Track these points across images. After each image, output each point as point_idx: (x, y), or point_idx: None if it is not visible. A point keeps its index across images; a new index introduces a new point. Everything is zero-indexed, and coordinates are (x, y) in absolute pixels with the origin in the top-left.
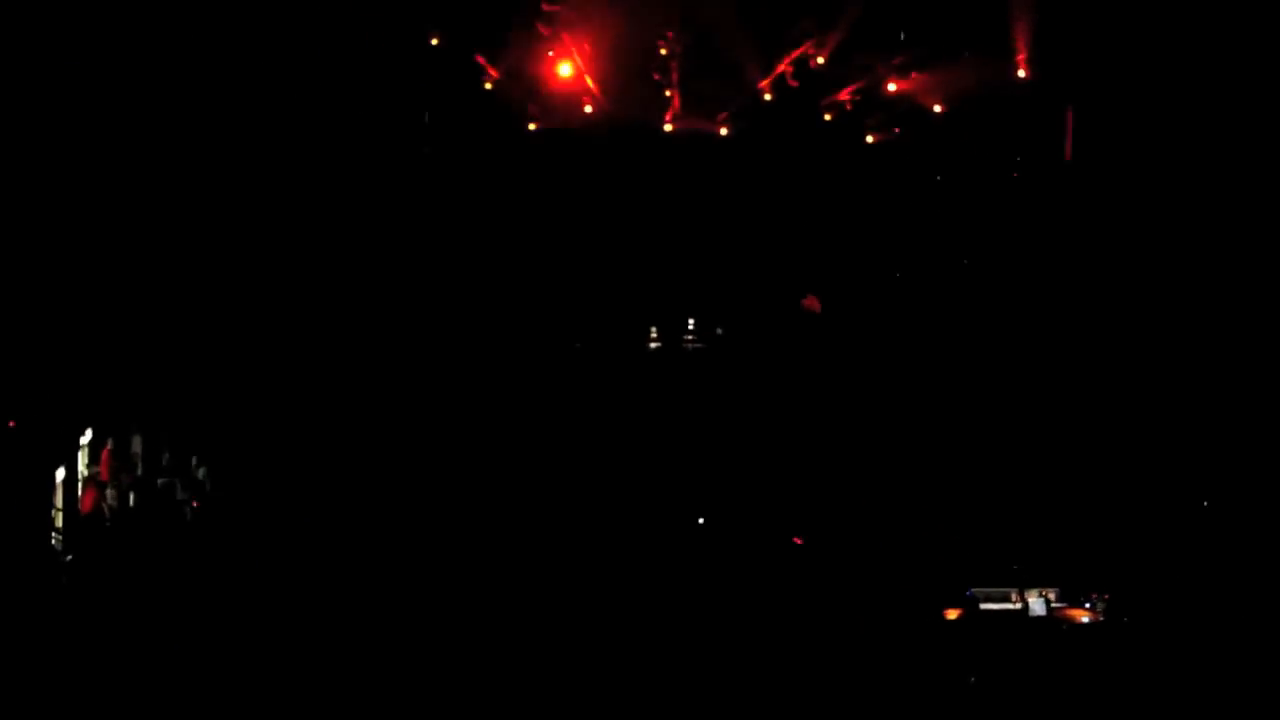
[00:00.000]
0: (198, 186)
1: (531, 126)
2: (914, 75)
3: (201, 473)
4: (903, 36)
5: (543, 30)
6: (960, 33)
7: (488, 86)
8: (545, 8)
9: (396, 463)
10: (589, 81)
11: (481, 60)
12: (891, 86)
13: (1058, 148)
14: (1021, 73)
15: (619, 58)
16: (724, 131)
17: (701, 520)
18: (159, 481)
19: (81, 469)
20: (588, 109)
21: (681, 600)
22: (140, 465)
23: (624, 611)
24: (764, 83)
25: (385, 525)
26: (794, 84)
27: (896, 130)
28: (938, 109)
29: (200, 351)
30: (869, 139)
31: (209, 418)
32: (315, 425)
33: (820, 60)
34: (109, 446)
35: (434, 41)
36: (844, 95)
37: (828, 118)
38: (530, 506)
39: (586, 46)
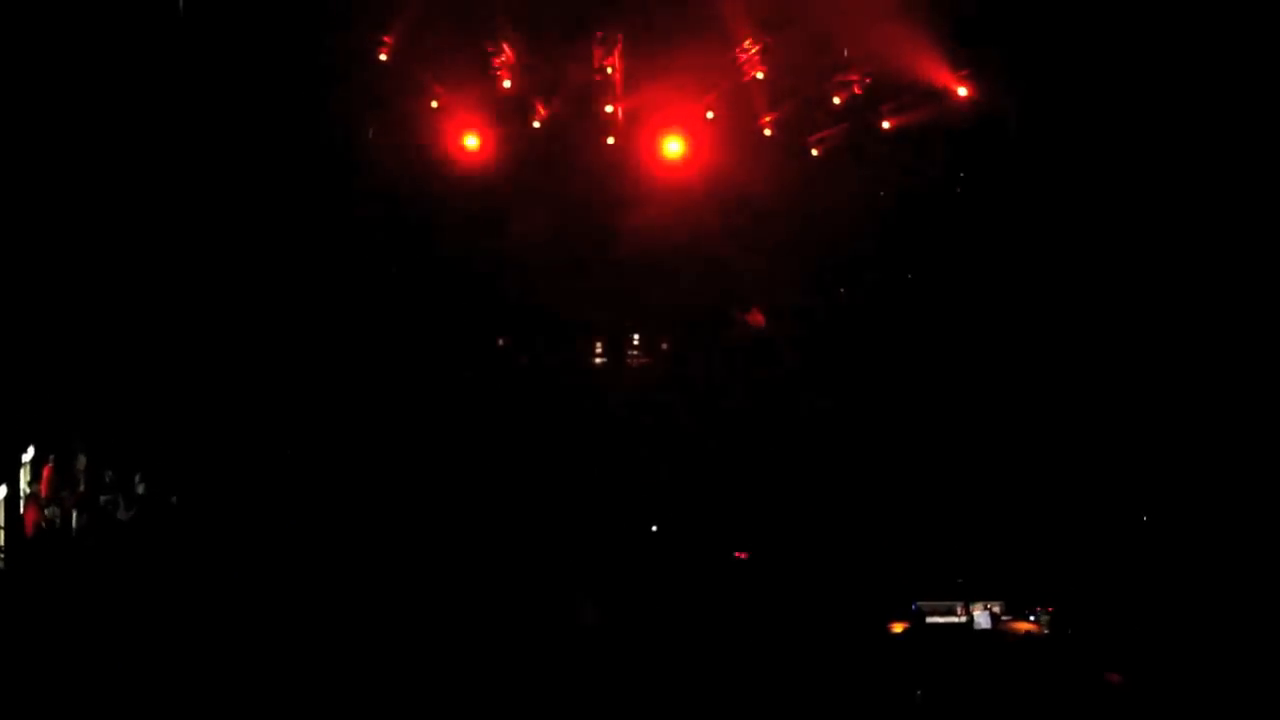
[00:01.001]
0: (139, 204)
1: (474, 143)
2: (858, 89)
3: (143, 489)
4: (846, 52)
5: (489, 47)
6: (902, 46)
7: (434, 105)
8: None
9: (345, 475)
10: (538, 103)
11: (429, 78)
12: (835, 100)
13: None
14: (963, 90)
15: (564, 73)
16: (673, 146)
17: (654, 529)
18: (101, 499)
19: (24, 487)
20: (535, 124)
21: (627, 613)
22: (83, 483)
23: (568, 623)
24: (709, 97)
25: (335, 536)
26: (740, 97)
27: (840, 143)
28: (886, 125)
29: (142, 368)
30: (814, 152)
31: (151, 435)
32: (260, 439)
33: (760, 75)
34: (50, 464)
35: (382, 56)
36: (788, 108)
37: (768, 133)
38: (476, 519)
39: (534, 62)
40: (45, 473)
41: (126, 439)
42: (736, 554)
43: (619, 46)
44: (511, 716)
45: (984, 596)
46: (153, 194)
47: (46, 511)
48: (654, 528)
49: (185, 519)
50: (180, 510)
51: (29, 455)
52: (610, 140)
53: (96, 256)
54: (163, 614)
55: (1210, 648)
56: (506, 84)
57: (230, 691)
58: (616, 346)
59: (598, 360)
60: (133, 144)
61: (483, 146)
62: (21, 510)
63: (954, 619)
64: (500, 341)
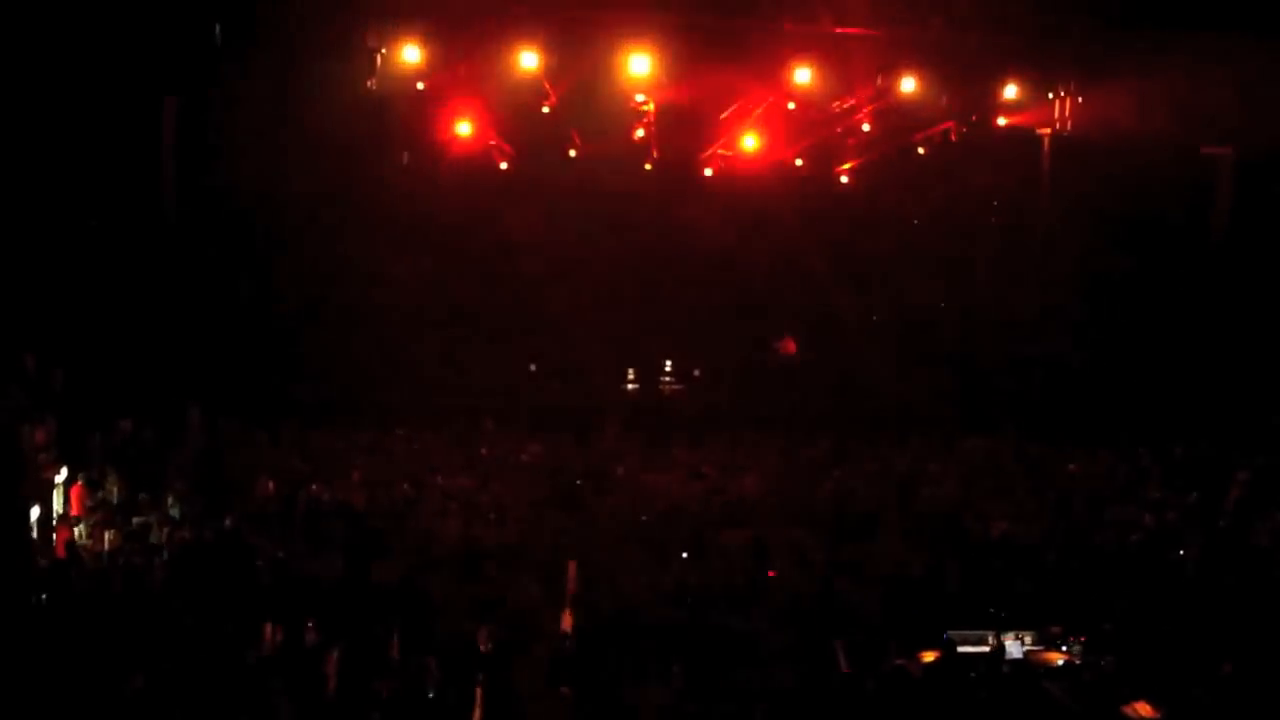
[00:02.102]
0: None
1: (503, 165)
2: (891, 116)
3: (177, 511)
4: (879, 81)
5: (523, 75)
6: (936, 73)
7: (462, 130)
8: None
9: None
10: (572, 131)
11: (465, 100)
12: (865, 127)
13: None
14: (1003, 120)
15: (597, 102)
16: (708, 172)
17: (685, 555)
18: (135, 521)
19: (57, 508)
20: (572, 153)
21: (655, 636)
22: (115, 504)
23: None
24: (741, 126)
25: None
26: (771, 127)
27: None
28: (921, 150)
29: (173, 390)
30: (843, 180)
31: (182, 455)
32: (290, 462)
33: (792, 105)
34: (80, 482)
35: (420, 86)
36: (822, 137)
37: (800, 163)
38: (514, 539)
39: (565, 92)
40: (75, 492)
41: (160, 460)
42: (769, 572)
43: (650, 72)
44: None
45: (1016, 626)
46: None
47: (78, 531)
48: (684, 555)
49: (224, 545)
50: (221, 536)
51: (62, 477)
52: (648, 166)
53: (124, 275)
54: (190, 647)
55: (1240, 679)
56: (545, 109)
57: None
58: (649, 373)
59: (630, 387)
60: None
61: (516, 170)
62: (54, 532)
63: (985, 648)
64: (533, 367)
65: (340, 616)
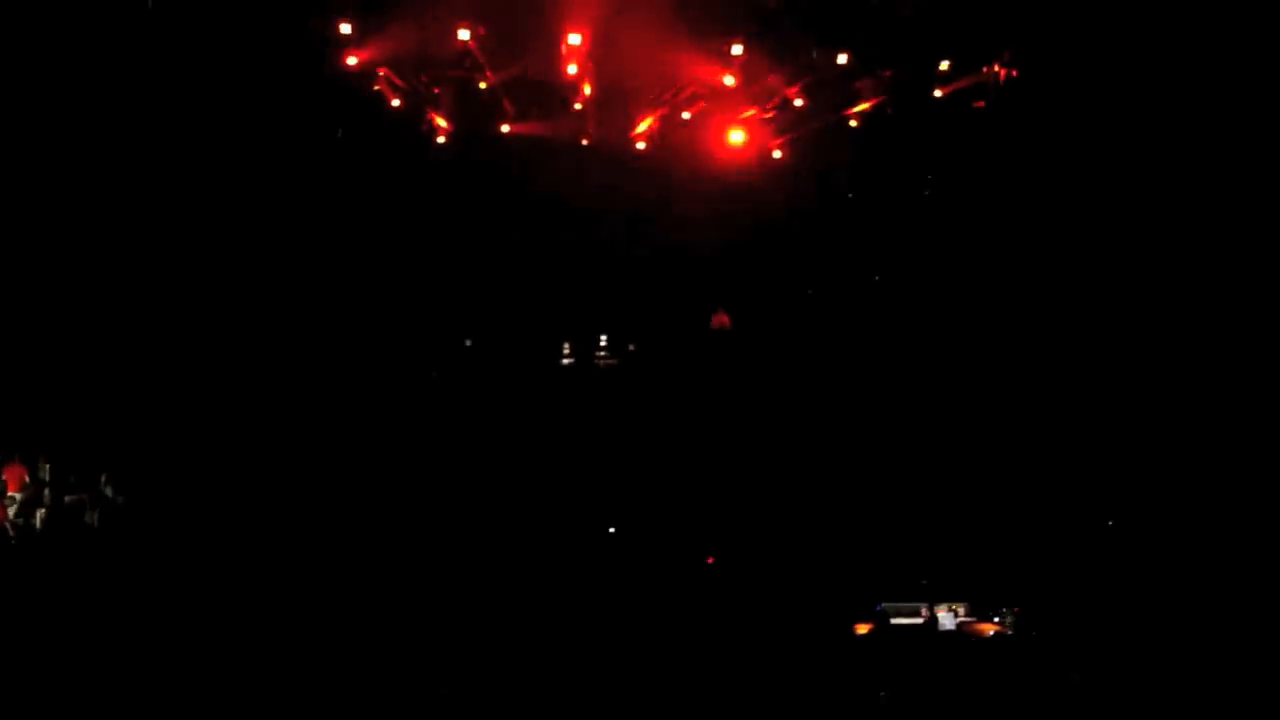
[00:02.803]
0: (103, 200)
1: (440, 140)
2: (824, 89)
3: (110, 490)
4: (814, 54)
5: (459, 47)
6: (872, 46)
7: (395, 104)
8: (461, 26)
9: (306, 475)
10: (506, 100)
11: (391, 75)
12: (798, 102)
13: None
14: (939, 92)
15: (534, 73)
16: (641, 146)
17: (612, 530)
18: (66, 499)
19: None
20: (505, 128)
21: (591, 614)
22: (47, 482)
23: (530, 626)
24: (678, 98)
25: (298, 537)
26: (706, 101)
27: (804, 143)
28: (853, 124)
29: (106, 366)
30: (776, 154)
31: (117, 433)
32: (224, 438)
33: (730, 80)
34: (16, 460)
35: (351, 61)
36: (755, 111)
37: (739, 135)
38: (446, 519)
39: (503, 63)
40: (8, 469)
41: (90, 439)
42: (707, 559)
43: (587, 46)
44: None
45: (948, 598)
46: (114, 187)
47: (8, 509)
48: (611, 530)
49: (156, 522)
50: (151, 514)
51: None
52: (584, 141)
53: (50, 251)
54: (126, 620)
55: (1174, 648)
56: (483, 85)
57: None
58: (584, 348)
59: (565, 361)
60: (81, 141)
61: (451, 144)
62: None
63: (918, 620)
64: (468, 342)
65: None
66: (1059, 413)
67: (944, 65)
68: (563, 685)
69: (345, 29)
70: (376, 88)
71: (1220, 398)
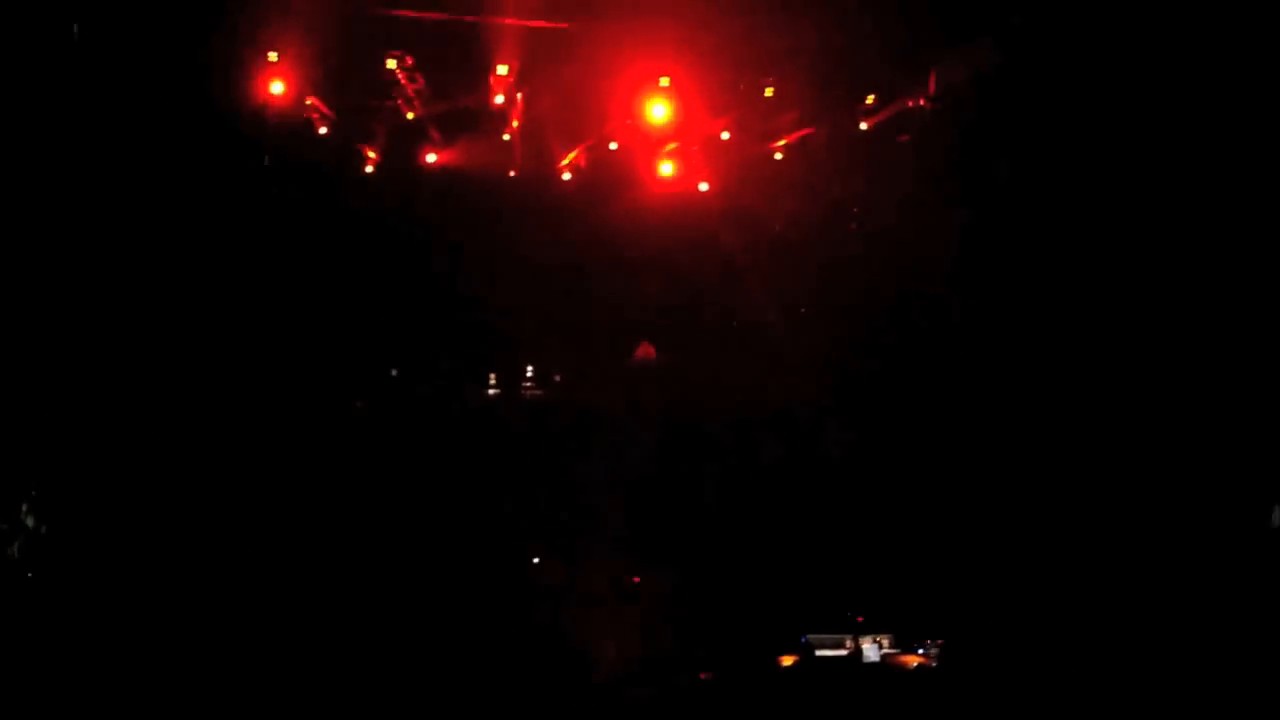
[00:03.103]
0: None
1: (368, 169)
2: (759, 124)
3: (31, 520)
4: (742, 87)
5: (385, 76)
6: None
7: (322, 131)
8: (387, 56)
9: (228, 502)
10: (433, 129)
11: (317, 103)
12: (724, 135)
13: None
14: (864, 125)
15: (459, 103)
16: (566, 177)
17: (536, 560)
18: None
19: None
20: (430, 157)
21: (507, 641)
22: None
23: (444, 658)
24: (608, 130)
25: (226, 562)
26: (638, 132)
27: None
28: (778, 156)
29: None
30: (703, 187)
31: (39, 459)
32: (151, 465)
33: (663, 112)
34: None
35: (277, 88)
36: (688, 143)
37: (669, 167)
38: (363, 549)
39: (426, 90)
40: None
41: (8, 465)
42: (633, 578)
43: (514, 76)
44: None
45: (873, 629)
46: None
47: None
48: (535, 559)
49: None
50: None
51: None
52: (511, 173)
53: None
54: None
55: (1097, 679)
56: (410, 115)
57: None
58: (510, 378)
59: (491, 392)
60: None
61: (376, 173)
62: None
63: (843, 652)
64: (394, 372)
65: None
66: (980, 444)
67: (870, 99)
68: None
69: (272, 56)
70: (305, 116)
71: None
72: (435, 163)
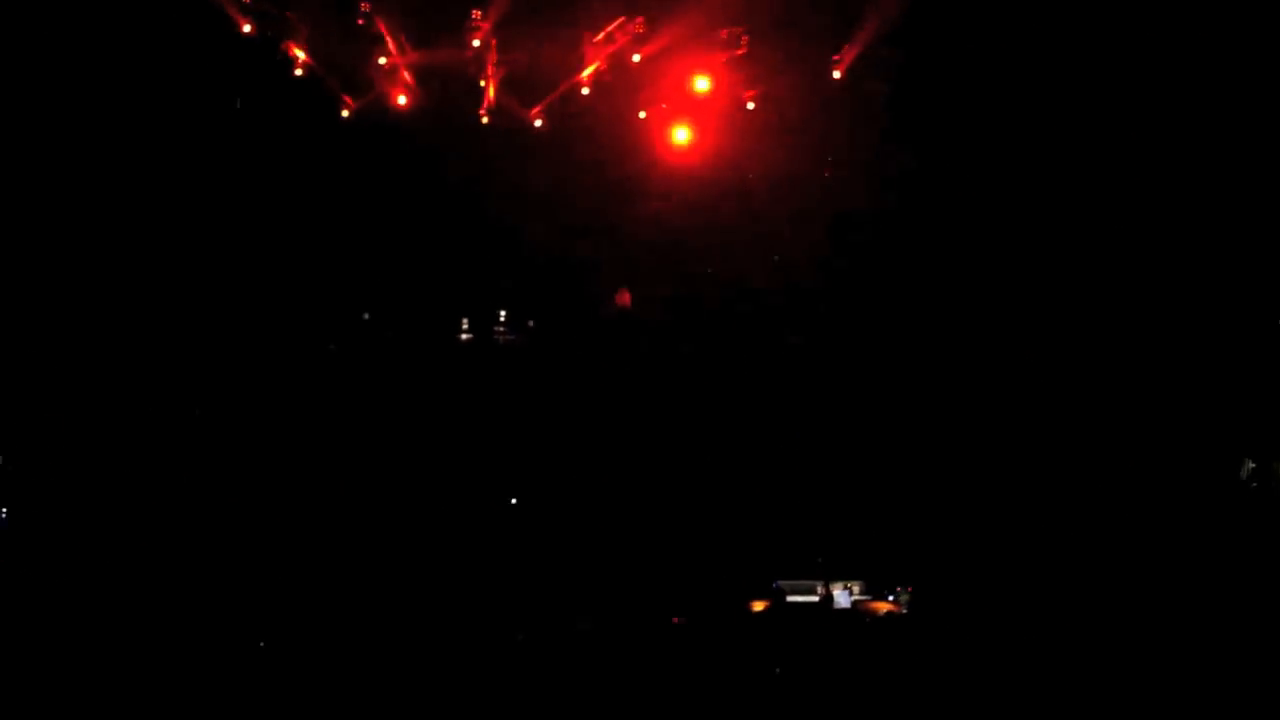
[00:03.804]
0: None
1: (344, 114)
2: (731, 72)
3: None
4: (726, 35)
5: (359, 20)
6: (784, 28)
7: (298, 73)
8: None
9: (207, 469)
10: (405, 72)
11: (292, 47)
12: (702, 84)
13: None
14: (837, 74)
15: (435, 49)
16: (538, 124)
17: (514, 500)
18: None
19: None
20: (401, 100)
21: (488, 590)
22: None
23: (429, 603)
24: (580, 77)
25: (203, 538)
26: (610, 79)
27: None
28: (750, 105)
29: None
30: (681, 136)
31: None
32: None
33: (637, 58)
34: None
35: (245, 29)
36: (660, 92)
37: (643, 115)
38: (343, 500)
39: (401, 36)
40: None
41: None
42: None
43: (490, 22)
44: None
45: (844, 576)
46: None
47: None
48: (513, 500)
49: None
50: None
51: None
52: (484, 119)
53: None
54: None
55: (1064, 627)
56: (382, 60)
57: None
58: (484, 323)
59: (464, 336)
60: None
61: (356, 119)
62: None
63: (814, 598)
64: (366, 316)
65: None
66: (954, 394)
67: (844, 48)
68: (454, 654)
69: None
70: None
71: (1109, 379)
72: (408, 106)
